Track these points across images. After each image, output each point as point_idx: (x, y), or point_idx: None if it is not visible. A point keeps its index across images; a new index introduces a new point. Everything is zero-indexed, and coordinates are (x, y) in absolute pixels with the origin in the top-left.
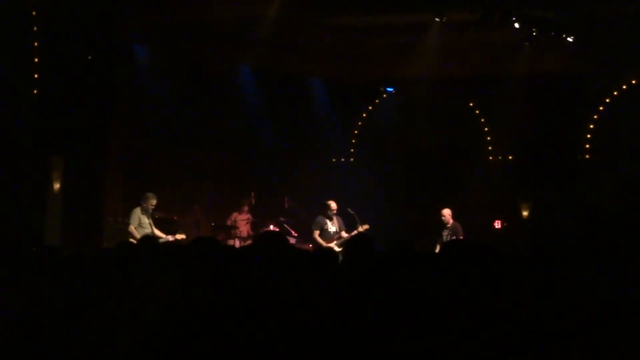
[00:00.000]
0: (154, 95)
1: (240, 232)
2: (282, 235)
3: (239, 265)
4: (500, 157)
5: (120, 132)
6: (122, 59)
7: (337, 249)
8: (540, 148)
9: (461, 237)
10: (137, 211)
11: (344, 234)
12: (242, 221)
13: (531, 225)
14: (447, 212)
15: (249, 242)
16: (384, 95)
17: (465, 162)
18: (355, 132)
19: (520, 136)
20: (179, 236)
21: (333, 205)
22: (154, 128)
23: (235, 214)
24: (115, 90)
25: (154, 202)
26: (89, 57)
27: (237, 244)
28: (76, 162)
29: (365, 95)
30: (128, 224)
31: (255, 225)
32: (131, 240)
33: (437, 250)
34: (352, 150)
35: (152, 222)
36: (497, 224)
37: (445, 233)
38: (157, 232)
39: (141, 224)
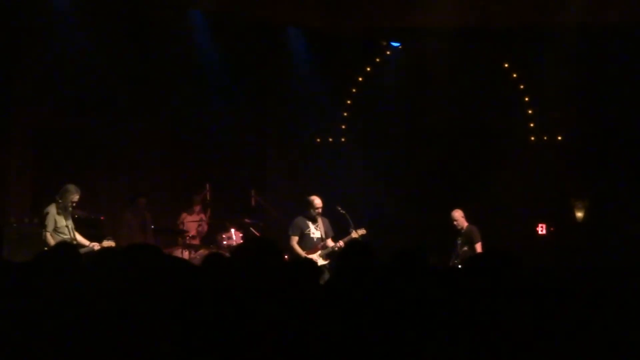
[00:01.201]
0: (74, 51)
1: (190, 238)
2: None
3: (192, 285)
4: (545, 138)
5: (28, 101)
6: (31, 1)
7: (321, 261)
8: (599, 126)
9: (478, 244)
10: (53, 210)
11: (330, 243)
12: (193, 224)
13: (587, 231)
14: (458, 215)
15: (201, 251)
16: (388, 53)
17: (498, 144)
18: (348, 102)
19: (573, 109)
20: (107, 243)
21: (317, 201)
22: (75, 96)
23: (184, 215)
24: (20, 44)
25: (75, 197)
26: None
27: (187, 254)
28: None
29: (361, 53)
30: (42, 228)
31: (210, 229)
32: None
33: (451, 264)
34: (343, 127)
35: (71, 225)
36: (542, 229)
37: (459, 241)
38: (80, 238)
39: (57, 228)
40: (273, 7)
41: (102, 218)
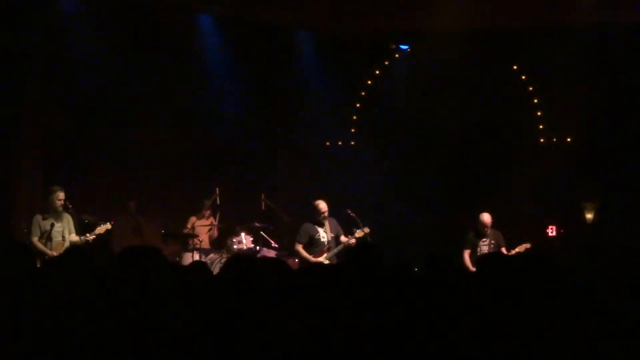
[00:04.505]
0: (83, 54)
1: (201, 242)
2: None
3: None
4: (555, 140)
5: (38, 106)
6: (40, 4)
7: (327, 263)
8: (609, 127)
9: (504, 249)
10: (37, 217)
11: (343, 238)
12: (203, 228)
13: (597, 233)
14: (488, 218)
15: (211, 255)
16: (396, 56)
17: (507, 146)
18: (357, 105)
19: (583, 110)
20: (100, 229)
21: (322, 205)
22: (85, 99)
23: (193, 219)
24: (29, 48)
25: (60, 195)
26: None
27: (197, 257)
28: None
29: (370, 56)
30: (29, 236)
31: (220, 233)
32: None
33: (469, 265)
34: (352, 130)
35: (67, 226)
36: (552, 231)
37: (484, 243)
38: (74, 237)
39: (45, 233)
40: (282, 12)
41: (112, 223)
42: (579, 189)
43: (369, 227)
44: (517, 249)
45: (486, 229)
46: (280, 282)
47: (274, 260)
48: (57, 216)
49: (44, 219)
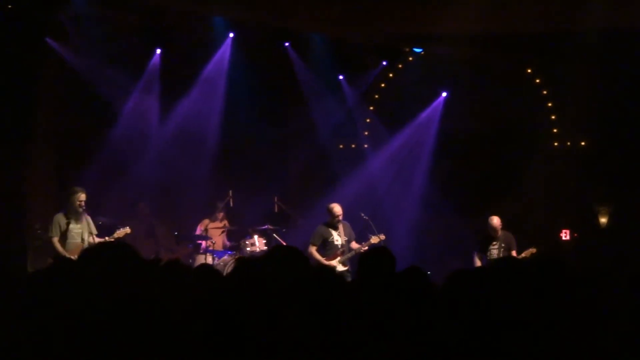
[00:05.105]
0: (96, 56)
1: (214, 244)
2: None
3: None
4: (568, 144)
5: (51, 107)
6: (53, 7)
7: (340, 267)
8: (623, 131)
9: (514, 252)
10: (58, 217)
11: (355, 245)
12: (216, 230)
13: (611, 237)
14: (497, 222)
15: (225, 258)
16: (410, 59)
17: (521, 149)
18: (371, 108)
19: (596, 114)
20: (119, 233)
21: (337, 209)
22: (97, 101)
23: (206, 221)
24: (43, 50)
25: (82, 197)
26: (9, 6)
27: (210, 260)
28: None
29: (383, 59)
30: (49, 236)
31: (233, 235)
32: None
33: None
34: (365, 133)
35: (85, 228)
36: (565, 235)
37: (494, 246)
38: (96, 240)
39: (66, 234)
40: (295, 15)
41: (129, 230)
42: (593, 193)
43: (384, 234)
44: (523, 254)
45: (496, 233)
46: (290, 281)
47: (289, 249)
48: (77, 217)
49: (67, 219)
